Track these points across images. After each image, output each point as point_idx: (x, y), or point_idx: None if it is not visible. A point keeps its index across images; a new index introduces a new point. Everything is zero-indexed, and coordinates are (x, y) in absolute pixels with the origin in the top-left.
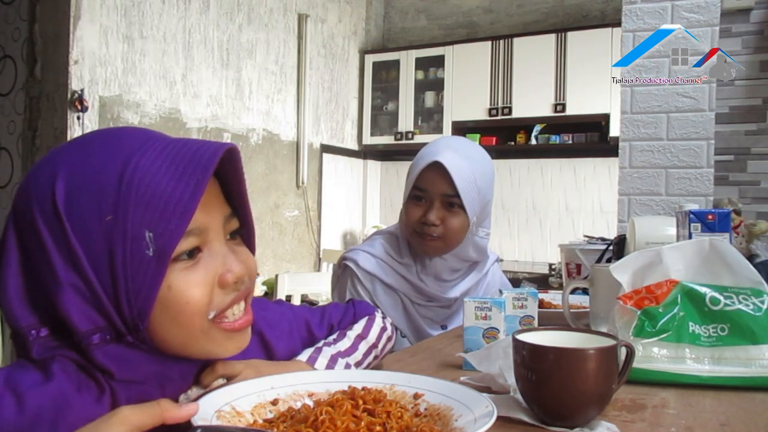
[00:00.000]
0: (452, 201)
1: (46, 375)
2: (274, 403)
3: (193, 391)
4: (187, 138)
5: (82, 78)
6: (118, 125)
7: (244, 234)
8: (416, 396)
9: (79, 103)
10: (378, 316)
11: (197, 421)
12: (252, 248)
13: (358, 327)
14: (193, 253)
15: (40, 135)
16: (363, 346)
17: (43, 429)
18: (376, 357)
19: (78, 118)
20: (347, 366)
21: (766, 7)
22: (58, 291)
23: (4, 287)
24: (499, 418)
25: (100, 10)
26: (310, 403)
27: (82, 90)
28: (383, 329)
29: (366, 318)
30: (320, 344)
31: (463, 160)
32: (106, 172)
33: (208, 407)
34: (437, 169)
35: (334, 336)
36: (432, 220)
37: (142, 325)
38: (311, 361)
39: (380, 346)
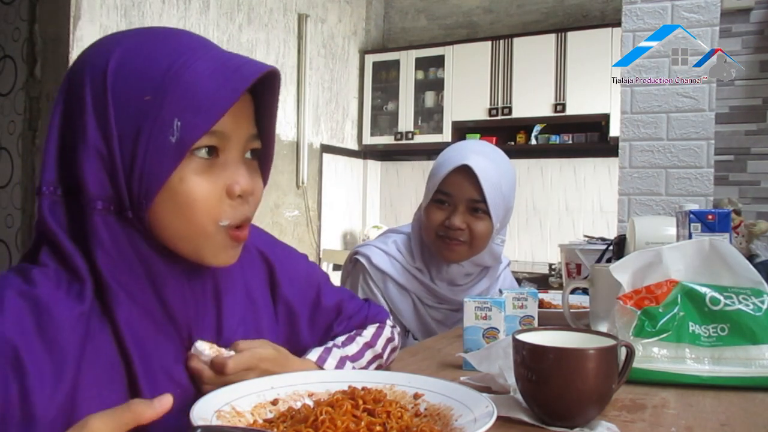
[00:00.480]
0: (477, 206)
1: (28, 281)
2: (274, 403)
3: (200, 344)
4: (239, 54)
5: None
6: None
7: (262, 160)
8: (416, 396)
9: None
10: (387, 325)
11: (197, 420)
12: (266, 176)
13: (367, 334)
14: (211, 152)
15: (40, 135)
16: (369, 354)
17: (28, 331)
18: (379, 366)
19: None
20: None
21: (766, 7)
22: (84, 152)
23: (46, 140)
24: (499, 418)
25: (100, 10)
26: (310, 403)
27: None
28: (390, 340)
29: (376, 325)
30: (329, 345)
31: (490, 164)
32: (158, 60)
33: (208, 407)
34: (464, 173)
35: (343, 339)
36: (457, 224)
37: (146, 205)
38: (321, 362)
39: (385, 356)
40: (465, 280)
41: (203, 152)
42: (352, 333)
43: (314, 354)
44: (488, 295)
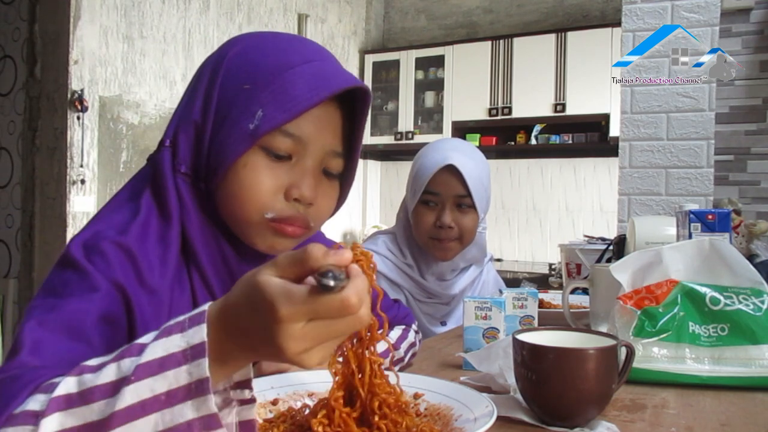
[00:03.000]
0: (462, 201)
1: (120, 231)
2: (274, 403)
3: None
4: (344, 69)
5: (82, 78)
6: (118, 126)
7: (343, 180)
8: (416, 396)
9: (79, 103)
10: (412, 329)
11: None
12: (344, 196)
13: (393, 336)
14: (282, 157)
15: (40, 135)
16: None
17: (130, 277)
18: (400, 369)
19: (78, 118)
20: None
21: (766, 7)
22: (186, 120)
23: (177, 108)
24: (499, 418)
25: (100, 10)
26: (310, 403)
27: (82, 90)
28: (412, 345)
29: (402, 328)
30: None
31: (469, 160)
32: (270, 57)
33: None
34: (448, 171)
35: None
36: (448, 222)
37: (214, 181)
38: None
39: (405, 360)
40: (452, 274)
41: (274, 154)
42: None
43: None
44: (474, 287)
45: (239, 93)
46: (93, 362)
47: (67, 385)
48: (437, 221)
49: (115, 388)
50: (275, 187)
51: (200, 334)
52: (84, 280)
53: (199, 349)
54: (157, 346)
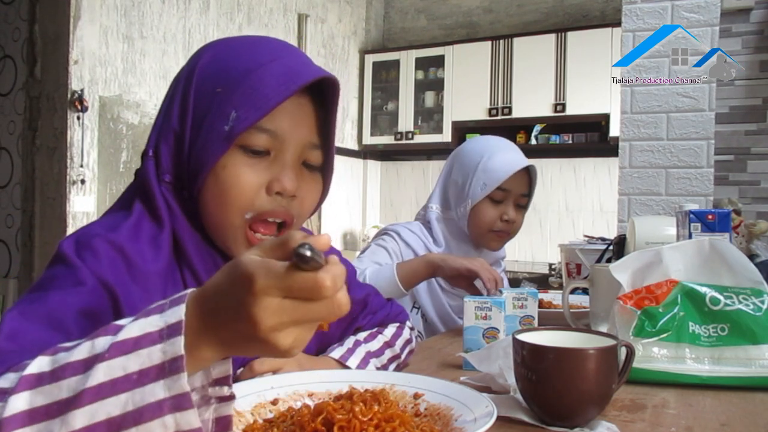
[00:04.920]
0: (522, 201)
1: (112, 230)
2: (274, 403)
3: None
4: (313, 63)
5: (82, 78)
6: (118, 126)
7: (324, 172)
8: (416, 396)
9: (79, 103)
10: (407, 326)
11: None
12: (326, 188)
13: (388, 333)
14: (260, 153)
15: (40, 135)
16: (388, 353)
17: (122, 273)
18: (397, 366)
19: (78, 118)
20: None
21: (766, 7)
22: (165, 130)
23: (155, 120)
24: (499, 418)
25: (100, 10)
26: (310, 403)
27: (82, 90)
28: (408, 342)
29: (396, 325)
30: (351, 344)
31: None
32: (240, 60)
33: None
34: (521, 171)
35: (365, 335)
36: (514, 217)
37: (196, 185)
38: (344, 360)
39: (402, 356)
40: None
41: (251, 151)
42: (373, 330)
43: (337, 352)
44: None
45: (213, 98)
46: (69, 344)
47: (40, 363)
48: (503, 215)
49: (87, 365)
50: (256, 183)
51: (178, 313)
52: (71, 274)
53: (175, 327)
54: (134, 326)
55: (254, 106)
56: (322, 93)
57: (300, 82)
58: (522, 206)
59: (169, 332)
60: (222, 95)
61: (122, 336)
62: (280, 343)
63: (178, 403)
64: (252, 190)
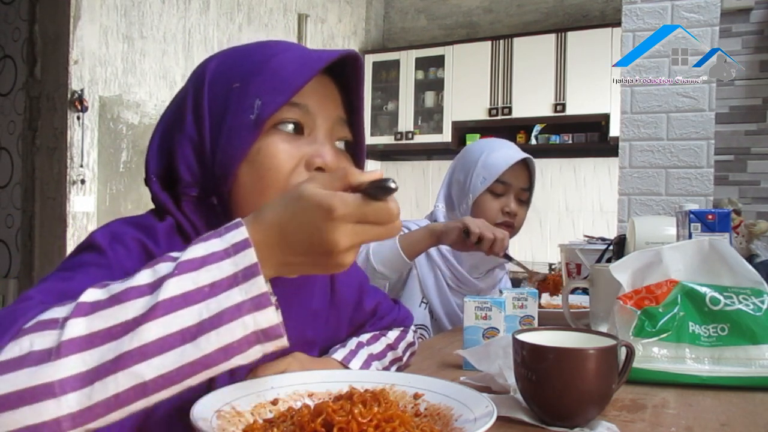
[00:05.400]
0: (523, 195)
1: (139, 228)
2: (274, 403)
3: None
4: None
5: (82, 78)
6: (118, 126)
7: (356, 153)
8: (416, 396)
9: (79, 103)
10: (410, 331)
11: (197, 420)
12: (361, 167)
13: (391, 336)
14: (296, 129)
15: (40, 135)
16: (390, 356)
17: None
18: (399, 368)
19: (78, 118)
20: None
21: (766, 7)
22: (180, 141)
23: (152, 137)
24: (499, 418)
25: (100, 10)
26: (311, 403)
27: (82, 90)
28: (410, 344)
29: (400, 329)
30: (354, 346)
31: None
32: (251, 55)
33: (208, 407)
34: (519, 164)
35: (368, 337)
36: (515, 210)
37: (226, 184)
38: (346, 361)
39: (404, 359)
40: (486, 266)
41: (289, 127)
42: (377, 333)
43: (340, 354)
44: (497, 287)
45: (229, 95)
46: (113, 282)
47: (93, 293)
48: (504, 207)
49: (154, 286)
50: (296, 159)
51: (241, 233)
52: (100, 261)
53: (242, 244)
54: (196, 248)
55: (278, 90)
56: (342, 75)
57: (322, 61)
58: (523, 201)
59: (235, 249)
60: (240, 89)
61: (186, 256)
62: (347, 260)
63: (258, 302)
64: (290, 167)
